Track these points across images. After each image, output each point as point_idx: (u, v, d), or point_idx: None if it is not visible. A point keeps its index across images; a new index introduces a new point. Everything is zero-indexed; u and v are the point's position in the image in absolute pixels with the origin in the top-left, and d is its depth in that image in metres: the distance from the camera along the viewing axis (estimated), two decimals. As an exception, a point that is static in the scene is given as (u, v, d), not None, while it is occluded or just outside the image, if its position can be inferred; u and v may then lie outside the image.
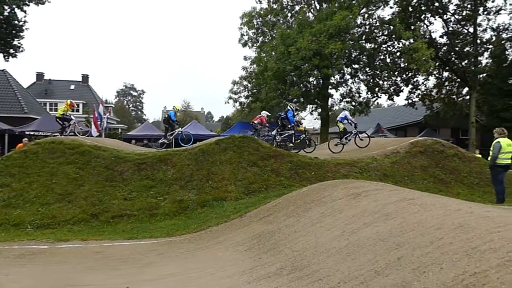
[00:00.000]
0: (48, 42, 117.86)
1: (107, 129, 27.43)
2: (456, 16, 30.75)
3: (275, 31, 29.74)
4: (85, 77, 54.53)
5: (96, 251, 6.81)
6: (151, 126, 33.58)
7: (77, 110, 47.31)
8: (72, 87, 52.69)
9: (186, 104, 66.57)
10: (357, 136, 14.37)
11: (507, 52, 32.12)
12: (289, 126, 14.22)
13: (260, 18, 31.45)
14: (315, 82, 28.71)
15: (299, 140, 14.89)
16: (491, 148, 9.41)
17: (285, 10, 31.40)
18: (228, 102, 32.43)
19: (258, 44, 32.73)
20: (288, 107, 15.00)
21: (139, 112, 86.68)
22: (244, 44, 32.95)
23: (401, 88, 30.76)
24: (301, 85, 27.27)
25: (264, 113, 17.42)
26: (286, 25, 29.79)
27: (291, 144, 14.21)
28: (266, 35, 32.35)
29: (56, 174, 10.19)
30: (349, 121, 13.86)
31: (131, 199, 9.71)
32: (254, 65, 30.82)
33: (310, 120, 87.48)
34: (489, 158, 9.60)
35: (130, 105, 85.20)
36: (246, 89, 32.03)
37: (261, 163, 11.27)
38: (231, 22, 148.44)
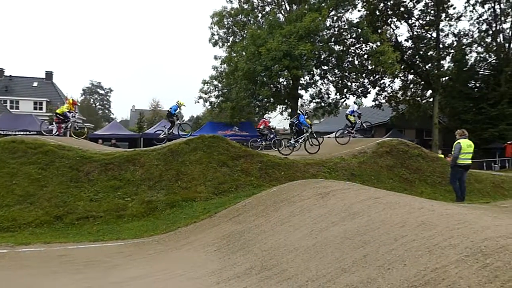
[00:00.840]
0: (9, 36, 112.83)
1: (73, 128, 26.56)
2: (420, 21, 31.86)
3: (245, 31, 29.77)
4: (49, 74, 52.42)
5: (60, 255, 6.58)
6: (119, 125, 32.83)
7: (40, 109, 45.66)
8: (35, 84, 50.54)
9: (155, 103, 65.33)
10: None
11: (467, 57, 33.64)
12: (304, 129, 13.84)
13: (231, 18, 31.38)
14: (285, 83, 29.01)
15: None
16: (453, 149, 9.81)
17: (256, 10, 31.51)
18: (198, 102, 32.17)
19: (228, 43, 32.64)
20: (299, 111, 15.18)
21: (107, 111, 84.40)
22: (215, 44, 32.79)
23: (369, 90, 31.53)
24: (272, 85, 27.47)
25: (267, 116, 18.03)
26: (256, 26, 29.89)
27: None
28: (236, 35, 32.32)
29: (17, 174, 9.77)
30: (356, 114, 14.71)
31: (97, 200, 9.45)
32: (225, 65, 30.73)
33: (280, 120, 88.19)
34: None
35: (97, 104, 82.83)
36: (217, 89, 31.90)
37: (231, 163, 11.25)
38: (201, 21, 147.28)
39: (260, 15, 31.72)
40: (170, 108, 16.13)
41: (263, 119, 18.23)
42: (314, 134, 14.21)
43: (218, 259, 5.76)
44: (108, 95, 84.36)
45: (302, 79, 28.59)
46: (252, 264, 5.11)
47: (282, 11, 30.92)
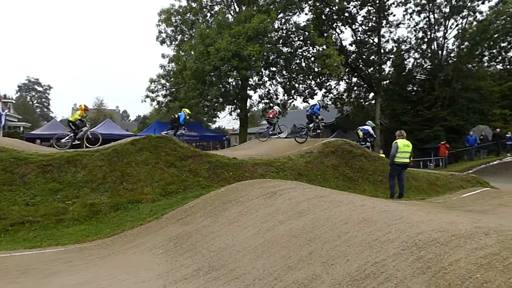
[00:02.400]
0: None
1: (5, 127, 24.77)
2: (363, 27, 33.35)
3: (194, 30, 29.46)
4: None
5: (-9, 264, 6.11)
6: (59, 125, 31.07)
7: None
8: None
9: (99, 102, 62.61)
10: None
11: (405, 62, 35.78)
12: (316, 119, 15.85)
13: (179, 16, 30.92)
14: (234, 83, 29.07)
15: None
16: (392, 148, 10.42)
17: (205, 9, 31.31)
18: (145, 101, 31.39)
19: (177, 42, 32.14)
20: (317, 102, 17.75)
21: (45, 109, 79.56)
22: (162, 42, 32.14)
23: (315, 91, 32.48)
24: (220, 85, 27.39)
25: (277, 108, 19.08)
26: (205, 25, 29.68)
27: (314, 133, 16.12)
28: (185, 33, 31.91)
29: None
30: (369, 134, 15.71)
31: (35, 204, 8.88)
32: (173, 64, 30.23)
33: (229, 120, 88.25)
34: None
35: (34, 102, 77.82)
36: (164, 88, 31.28)
37: (178, 164, 11.07)
38: (148, 18, 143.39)
39: (209, 14, 31.57)
40: (178, 115, 17.41)
41: (272, 109, 19.26)
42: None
43: (165, 261, 5.65)
44: (47, 92, 79.69)
45: (251, 79, 28.84)
46: (200, 265, 5.06)
47: (231, 12, 30.99)
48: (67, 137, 14.34)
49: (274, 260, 4.39)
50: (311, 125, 15.96)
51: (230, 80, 27.98)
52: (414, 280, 2.96)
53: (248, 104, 30.67)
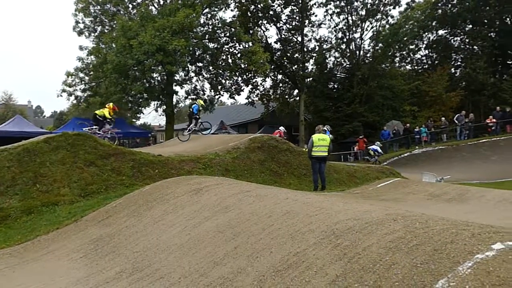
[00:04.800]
0: None
1: None
2: (288, 25, 34.41)
3: (115, 22, 28.01)
4: None
5: None
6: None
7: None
8: None
9: (7, 96, 56.76)
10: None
11: (327, 61, 37.63)
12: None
13: (98, 6, 29.17)
14: (159, 78, 28.24)
15: None
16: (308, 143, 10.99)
17: (126, 0, 29.89)
18: (62, 96, 29.09)
19: (96, 34, 30.34)
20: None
21: None
22: (80, 33, 30.12)
23: (242, 88, 32.86)
24: (145, 80, 26.44)
25: (282, 128, 19.28)
26: (127, 17, 28.39)
27: None
28: (105, 25, 30.21)
29: None
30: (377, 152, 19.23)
31: None
32: (92, 57, 28.48)
33: (155, 116, 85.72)
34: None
35: None
36: (83, 82, 29.35)
37: (99, 162, 10.49)
38: (63, 5, 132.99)
39: (131, 6, 30.18)
40: (192, 107, 17.33)
41: (278, 130, 19.01)
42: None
43: (84, 266, 5.34)
44: None
45: (176, 75, 28.25)
46: (123, 267, 4.87)
47: (155, 4, 29.97)
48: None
49: (200, 257, 4.37)
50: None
51: (155, 75, 27.15)
52: (332, 267, 3.13)
53: (174, 100, 30.07)
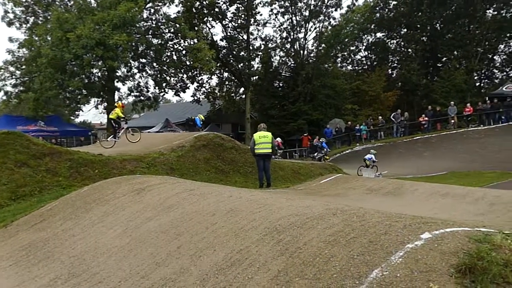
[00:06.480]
0: None
1: None
2: (233, 23, 34.41)
3: (50, 13, 26.35)
4: None
5: None
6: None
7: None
8: None
9: None
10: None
11: (272, 59, 38.19)
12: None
13: (31, -5, 27.33)
14: (99, 74, 27.03)
15: None
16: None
17: (62, -10, 28.28)
18: (-12, 91, 26.95)
19: (28, 25, 28.37)
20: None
21: None
22: (10, 23, 28.01)
23: (188, 85, 32.38)
24: (84, 76, 25.16)
25: (279, 139, 21.36)
26: (64, 8, 26.82)
27: None
28: (38, 16, 28.34)
29: None
30: (373, 161, 19.03)
31: None
32: (24, 49, 26.61)
33: (95, 114, 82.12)
34: None
35: None
36: (14, 77, 27.34)
37: (33, 163, 9.83)
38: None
39: (67, -4, 28.60)
40: (194, 119, 20.10)
41: (275, 140, 19.52)
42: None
43: (15, 274, 4.98)
44: None
45: (118, 71, 27.22)
46: (58, 273, 4.60)
47: (94, -4, 28.61)
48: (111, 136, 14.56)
49: (142, 259, 4.24)
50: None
51: (94, 70, 25.94)
52: (274, 262, 3.17)
53: (116, 97, 28.94)
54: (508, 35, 37.72)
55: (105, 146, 13.91)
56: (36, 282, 4.58)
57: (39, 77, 25.03)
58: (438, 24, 39.49)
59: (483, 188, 11.29)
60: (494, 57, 40.78)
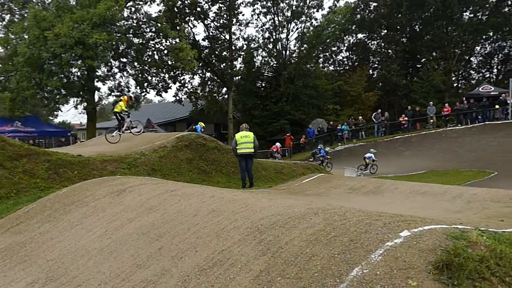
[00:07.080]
0: None
1: None
2: (215, 23, 34.30)
3: (27, 11, 25.71)
4: None
5: None
6: None
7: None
8: None
9: None
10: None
11: (254, 59, 38.23)
12: None
13: (6, -8, 26.64)
14: (79, 73, 26.52)
15: None
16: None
17: (39, -12, 27.64)
18: (-39, 90, 26.14)
19: (4, 22, 27.70)
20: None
21: None
22: (-16, 21, 27.28)
23: (169, 85, 32.04)
24: (62, 75, 24.62)
25: (278, 144, 24.37)
26: (41, 6, 26.21)
27: None
28: (14, 13, 27.64)
29: None
30: (372, 160, 19.85)
31: None
32: (0, 48, 25.91)
33: (75, 114, 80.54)
34: None
35: None
36: (-11, 76, 26.63)
37: (9, 164, 9.56)
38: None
39: (45, -6, 27.97)
40: (195, 127, 20.31)
41: (274, 146, 24.26)
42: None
43: (-11, 279, 4.83)
44: None
45: (98, 70, 26.78)
46: (35, 278, 4.49)
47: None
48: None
49: (122, 261, 4.18)
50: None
51: (74, 70, 25.43)
52: (256, 262, 3.17)
53: (96, 97, 28.48)
54: (484, 37, 38.81)
55: (111, 141, 13.93)
56: (12, 286, 4.46)
57: (15, 76, 24.42)
58: (417, 26, 40.27)
59: (461, 186, 11.57)
60: (471, 59, 41.92)
